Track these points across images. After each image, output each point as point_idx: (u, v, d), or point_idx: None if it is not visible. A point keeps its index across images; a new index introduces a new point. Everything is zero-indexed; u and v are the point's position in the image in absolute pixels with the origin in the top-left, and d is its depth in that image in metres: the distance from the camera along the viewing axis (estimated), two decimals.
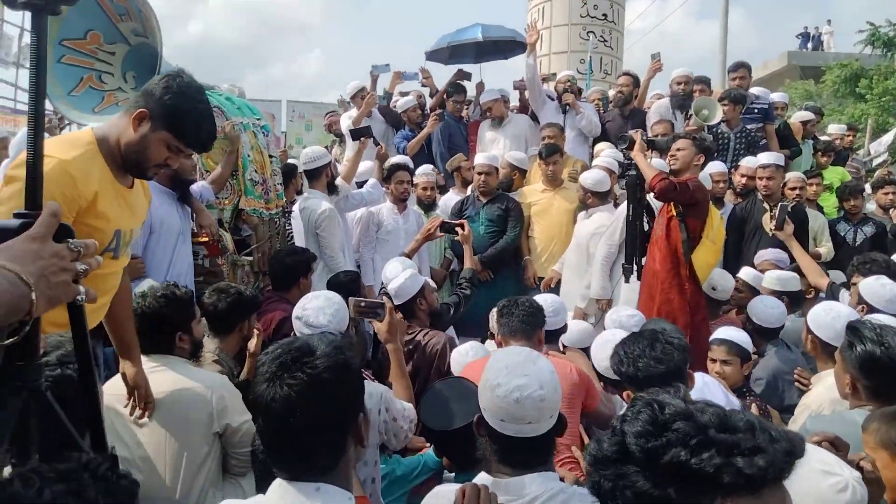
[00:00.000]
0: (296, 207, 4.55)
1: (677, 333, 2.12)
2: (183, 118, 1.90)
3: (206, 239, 3.78)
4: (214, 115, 3.90)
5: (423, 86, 7.24)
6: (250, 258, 4.03)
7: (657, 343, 1.98)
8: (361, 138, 5.02)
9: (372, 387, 2.23)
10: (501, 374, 1.54)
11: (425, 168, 5.51)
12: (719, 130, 5.66)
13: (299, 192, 4.82)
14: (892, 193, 5.72)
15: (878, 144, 9.76)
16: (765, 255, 4.41)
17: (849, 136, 7.77)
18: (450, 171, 5.92)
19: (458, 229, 4.03)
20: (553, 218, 5.03)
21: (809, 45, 25.86)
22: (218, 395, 2.32)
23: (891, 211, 5.58)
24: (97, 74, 2.66)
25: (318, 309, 2.43)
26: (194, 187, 3.74)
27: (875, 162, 9.31)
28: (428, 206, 5.27)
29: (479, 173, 5.06)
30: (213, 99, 4.15)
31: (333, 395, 1.25)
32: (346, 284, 3.38)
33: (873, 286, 3.01)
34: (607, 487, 0.86)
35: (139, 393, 2.19)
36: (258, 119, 4.35)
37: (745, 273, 4.16)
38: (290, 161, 5.47)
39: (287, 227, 4.61)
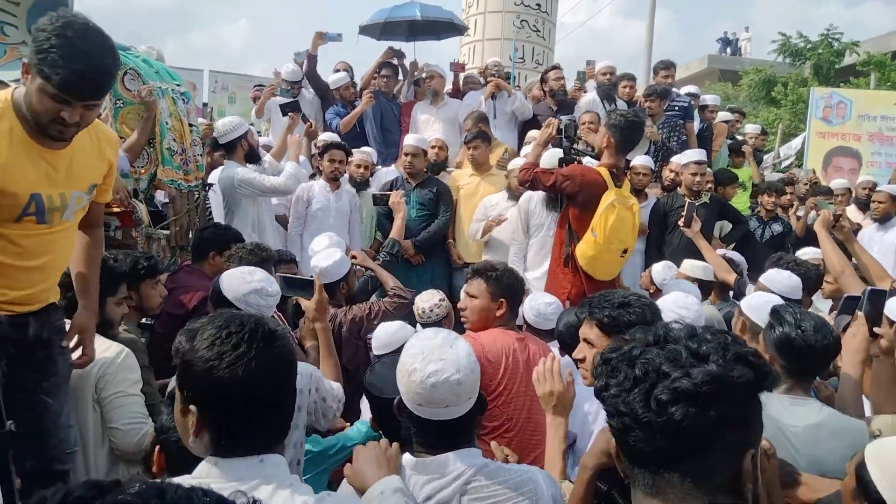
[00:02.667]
0: (213, 178, 4.35)
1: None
2: (53, 62, 1.68)
3: (118, 209, 3.55)
4: (130, 78, 3.76)
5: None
6: (166, 231, 3.83)
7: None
8: (290, 113, 4.87)
9: (302, 366, 2.15)
10: (417, 359, 1.51)
11: (365, 149, 5.46)
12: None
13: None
14: (791, 194, 6.11)
15: (787, 148, 10.35)
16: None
17: (762, 138, 8.21)
18: None
19: (392, 199, 3.98)
20: (478, 202, 5.04)
21: (728, 49, 27.12)
22: (99, 365, 2.24)
23: (790, 210, 5.94)
24: None
25: (267, 279, 2.33)
26: None
27: (783, 164, 9.88)
28: (361, 184, 5.16)
29: (407, 154, 5.01)
30: (129, 61, 3.89)
31: (293, 368, 1.28)
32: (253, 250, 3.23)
33: (774, 276, 3.20)
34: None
35: (79, 337, 2.12)
36: (178, 85, 4.11)
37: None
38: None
39: (206, 202, 4.40)
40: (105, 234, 3.42)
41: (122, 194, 3.47)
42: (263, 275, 2.35)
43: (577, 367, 2.08)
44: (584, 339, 2.00)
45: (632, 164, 5.25)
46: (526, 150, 5.13)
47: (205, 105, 13.51)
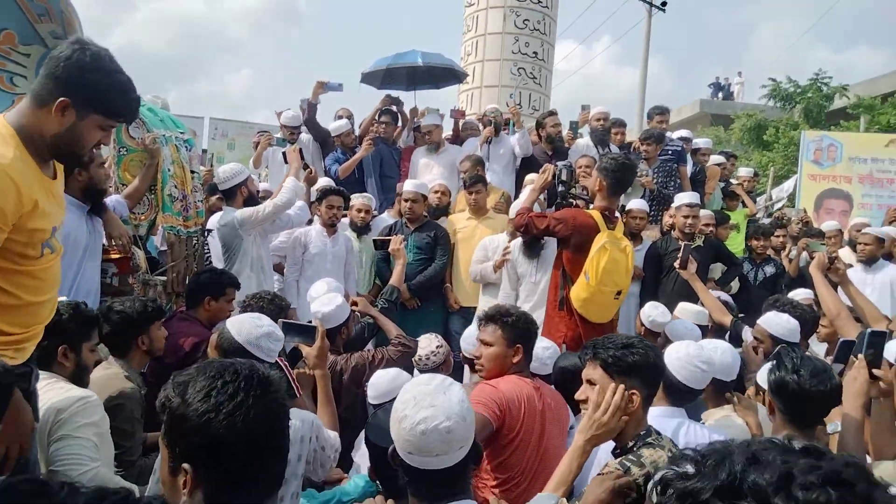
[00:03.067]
0: (212, 224, 4.39)
1: None
2: (110, 97, 1.76)
3: (117, 255, 3.58)
4: (135, 126, 3.83)
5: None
6: (163, 278, 3.84)
7: None
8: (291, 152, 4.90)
9: (303, 413, 2.15)
10: (409, 406, 1.50)
11: (366, 194, 5.53)
12: (640, 169, 5.93)
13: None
14: (783, 236, 6.17)
15: (779, 190, 10.46)
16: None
17: (754, 180, 8.33)
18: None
19: (392, 245, 4.00)
20: (476, 246, 5.06)
21: (720, 94, 27.61)
22: (55, 410, 2.14)
23: (782, 253, 5.99)
24: (8, 76, 2.51)
25: (272, 324, 2.36)
26: (108, 200, 3.55)
27: (776, 207, 9.98)
28: (361, 228, 5.22)
29: (406, 200, 5.06)
30: None
31: (287, 415, 1.26)
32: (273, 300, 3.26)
33: (773, 319, 3.29)
34: None
35: None
36: (182, 132, 4.19)
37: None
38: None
39: (205, 248, 4.43)
40: (102, 280, 3.46)
41: (125, 240, 3.50)
42: (269, 320, 2.37)
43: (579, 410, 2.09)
44: (588, 380, 2.02)
45: (628, 207, 5.34)
46: (524, 194, 5.20)
47: (204, 151, 13.66)
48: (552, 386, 2.87)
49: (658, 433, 1.97)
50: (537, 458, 2.45)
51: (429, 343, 3.38)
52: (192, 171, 4.18)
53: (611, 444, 1.97)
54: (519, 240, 4.57)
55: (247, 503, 1.18)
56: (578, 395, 2.05)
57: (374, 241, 4.84)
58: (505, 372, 2.57)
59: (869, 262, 5.34)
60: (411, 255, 4.93)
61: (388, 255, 4.89)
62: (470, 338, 3.10)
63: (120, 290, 3.61)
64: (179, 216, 3.99)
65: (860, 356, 2.34)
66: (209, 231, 4.37)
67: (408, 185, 5.21)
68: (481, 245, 4.95)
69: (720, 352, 2.82)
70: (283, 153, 5.07)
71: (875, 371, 2.34)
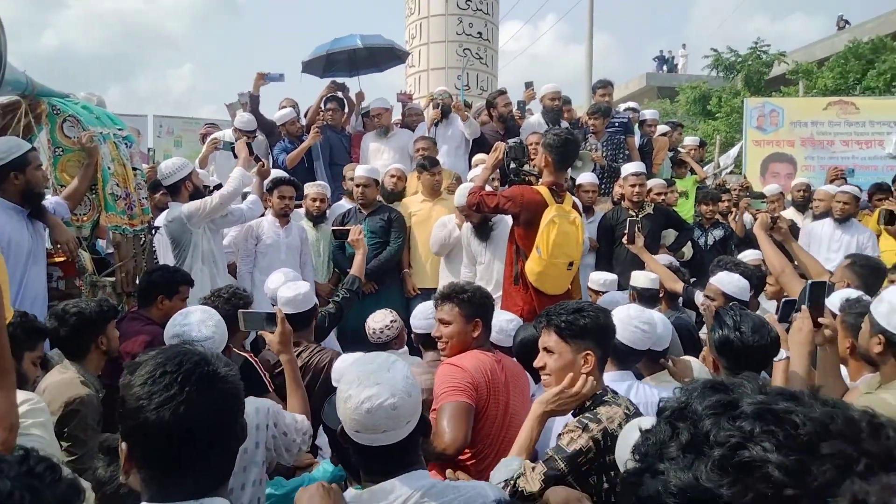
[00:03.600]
0: (159, 221, 4.28)
1: None
2: None
3: (62, 259, 3.46)
4: (70, 125, 3.70)
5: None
6: (112, 279, 3.74)
7: None
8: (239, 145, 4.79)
9: (259, 401, 2.13)
10: (353, 385, 1.50)
11: (320, 182, 5.46)
12: (588, 143, 6.00)
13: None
14: (728, 201, 6.34)
15: (726, 157, 10.73)
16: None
17: (701, 149, 8.53)
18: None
19: (352, 236, 3.98)
20: (431, 228, 5.07)
21: (665, 67, 28.09)
22: None
23: (728, 217, 6.16)
24: None
25: (198, 322, 2.30)
26: (47, 202, 3.43)
27: (724, 173, 10.25)
28: (317, 217, 5.16)
29: (358, 185, 5.03)
30: (67, 108, 3.85)
31: (236, 411, 1.22)
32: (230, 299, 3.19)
33: (724, 278, 3.40)
34: None
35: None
36: (120, 129, 4.07)
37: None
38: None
39: (153, 246, 4.32)
40: (48, 284, 3.35)
41: (71, 245, 3.40)
42: (199, 316, 2.31)
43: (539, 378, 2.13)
44: (544, 348, 2.06)
45: (578, 181, 5.40)
46: (473, 172, 5.21)
47: (150, 150, 13.28)
48: (513, 357, 2.92)
49: (615, 392, 2.03)
50: (504, 427, 2.49)
51: (383, 317, 3.41)
52: (135, 168, 4.07)
53: None
54: (468, 224, 4.60)
55: (188, 492, 1.16)
56: (537, 363, 2.09)
57: (333, 230, 4.81)
58: (467, 347, 2.59)
59: (843, 220, 5.38)
60: (366, 240, 4.90)
61: (344, 243, 4.87)
62: (420, 314, 3.10)
63: (67, 293, 3.51)
64: (124, 214, 3.88)
65: (803, 307, 2.43)
66: (156, 228, 4.26)
67: (359, 170, 5.18)
68: (440, 222, 4.96)
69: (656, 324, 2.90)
70: (233, 148, 4.96)
71: (820, 319, 2.44)
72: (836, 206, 5.49)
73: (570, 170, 5.53)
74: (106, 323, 2.73)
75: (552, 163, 3.81)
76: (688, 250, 5.52)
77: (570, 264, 3.74)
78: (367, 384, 1.49)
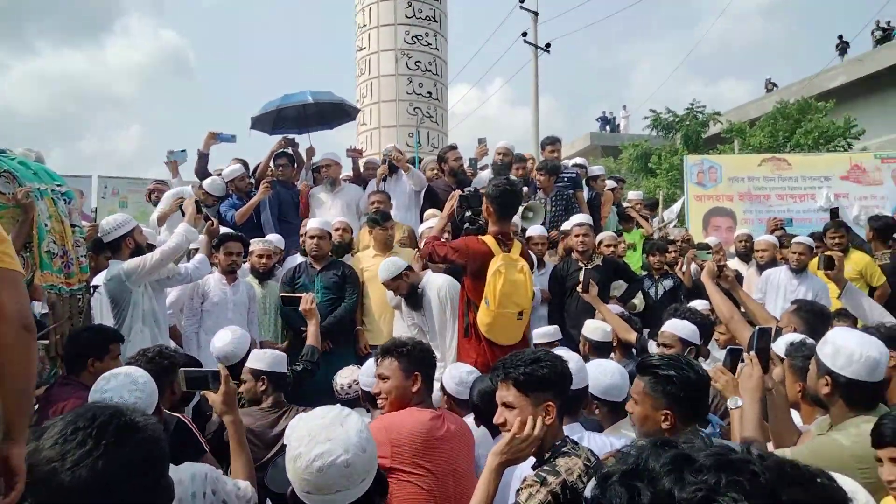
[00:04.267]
0: (98, 280, 4.10)
1: None
2: None
3: None
4: (4, 181, 3.55)
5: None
6: (46, 341, 3.52)
7: None
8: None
9: (195, 467, 1.98)
10: (303, 442, 1.41)
11: (270, 238, 5.35)
12: (537, 197, 6.10)
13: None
14: (673, 253, 6.51)
15: (669, 212, 11.11)
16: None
17: (645, 206, 8.82)
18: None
19: (303, 305, 3.83)
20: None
21: (608, 127, 29.28)
22: None
23: (675, 267, 6.30)
24: None
25: (119, 387, 2.13)
26: None
27: (669, 227, 10.58)
28: (264, 274, 5.04)
29: (312, 237, 4.96)
30: (4, 163, 3.69)
31: (158, 465, 1.13)
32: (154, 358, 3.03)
33: (678, 324, 3.51)
34: None
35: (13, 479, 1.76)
36: (59, 185, 3.91)
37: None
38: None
39: (90, 306, 4.11)
40: None
41: None
42: (119, 381, 2.17)
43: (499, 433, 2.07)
44: (503, 403, 1.99)
45: (528, 234, 5.46)
46: (425, 225, 5.22)
47: (94, 211, 12.91)
48: (471, 410, 2.88)
49: (575, 443, 1.98)
50: (452, 481, 2.43)
51: (351, 374, 3.33)
52: (74, 225, 3.90)
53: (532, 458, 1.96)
54: (399, 298, 4.57)
55: None
56: (497, 420, 2.02)
57: (283, 297, 4.64)
58: (407, 403, 2.52)
59: (799, 270, 5.55)
60: (319, 297, 4.80)
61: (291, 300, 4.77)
62: (367, 372, 3.04)
63: None
64: (60, 273, 3.70)
65: (752, 353, 2.46)
66: (94, 287, 4.07)
67: (312, 223, 5.13)
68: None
69: (609, 373, 2.90)
70: (181, 207, 4.81)
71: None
72: (791, 256, 5.69)
73: (522, 221, 5.65)
74: None
75: (494, 212, 3.84)
76: (639, 301, 5.59)
77: (520, 314, 3.71)
78: (318, 440, 1.40)
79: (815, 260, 5.60)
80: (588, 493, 0.80)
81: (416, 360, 2.57)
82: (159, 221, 5.46)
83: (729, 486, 0.66)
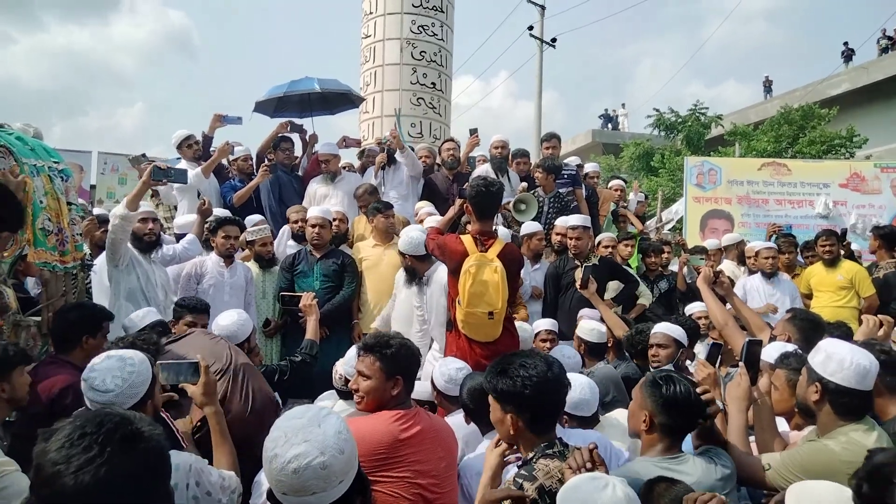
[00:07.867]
0: (97, 261, 4.09)
1: None
2: None
3: None
4: (1, 156, 3.51)
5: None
6: (38, 318, 3.50)
7: None
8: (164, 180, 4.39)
9: (178, 458, 1.96)
10: (279, 443, 1.39)
11: (254, 218, 5.32)
12: (536, 195, 6.07)
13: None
14: (668, 254, 6.53)
15: (668, 212, 11.10)
16: (584, 313, 4.71)
17: (643, 203, 8.81)
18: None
19: (303, 303, 3.81)
20: (382, 272, 5.01)
21: (610, 125, 29.21)
22: None
23: (669, 268, 6.32)
24: None
25: (105, 370, 2.05)
26: None
27: (666, 228, 10.57)
28: (268, 262, 5.07)
29: (314, 226, 4.94)
30: (1, 139, 3.66)
31: (162, 472, 1.16)
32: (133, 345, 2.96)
33: (669, 326, 3.72)
34: None
35: None
36: (56, 162, 3.89)
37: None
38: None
39: (87, 284, 4.11)
40: None
41: None
42: (109, 364, 2.08)
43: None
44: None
45: (530, 231, 5.41)
46: (429, 221, 5.19)
47: (92, 187, 12.84)
48: (461, 407, 2.87)
49: (565, 445, 1.94)
50: (428, 482, 2.32)
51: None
52: (69, 203, 3.89)
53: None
54: (401, 270, 4.56)
55: None
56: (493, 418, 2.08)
57: (282, 296, 4.57)
58: (383, 405, 2.37)
59: (771, 275, 5.84)
60: (318, 283, 4.82)
61: (292, 285, 4.77)
62: (350, 360, 2.94)
63: None
64: (55, 251, 3.68)
65: (741, 364, 2.46)
66: (91, 265, 4.06)
67: (314, 211, 5.11)
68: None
69: (579, 388, 2.91)
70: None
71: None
72: (763, 261, 5.85)
73: (516, 214, 5.63)
74: (11, 369, 2.48)
75: (474, 211, 3.82)
76: (646, 298, 5.58)
77: (491, 314, 3.61)
78: (294, 442, 1.38)
79: (807, 269, 5.80)
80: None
81: (400, 363, 2.39)
82: (204, 173, 5.72)
83: None
